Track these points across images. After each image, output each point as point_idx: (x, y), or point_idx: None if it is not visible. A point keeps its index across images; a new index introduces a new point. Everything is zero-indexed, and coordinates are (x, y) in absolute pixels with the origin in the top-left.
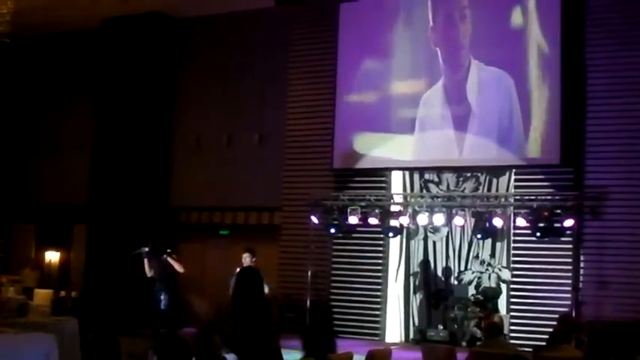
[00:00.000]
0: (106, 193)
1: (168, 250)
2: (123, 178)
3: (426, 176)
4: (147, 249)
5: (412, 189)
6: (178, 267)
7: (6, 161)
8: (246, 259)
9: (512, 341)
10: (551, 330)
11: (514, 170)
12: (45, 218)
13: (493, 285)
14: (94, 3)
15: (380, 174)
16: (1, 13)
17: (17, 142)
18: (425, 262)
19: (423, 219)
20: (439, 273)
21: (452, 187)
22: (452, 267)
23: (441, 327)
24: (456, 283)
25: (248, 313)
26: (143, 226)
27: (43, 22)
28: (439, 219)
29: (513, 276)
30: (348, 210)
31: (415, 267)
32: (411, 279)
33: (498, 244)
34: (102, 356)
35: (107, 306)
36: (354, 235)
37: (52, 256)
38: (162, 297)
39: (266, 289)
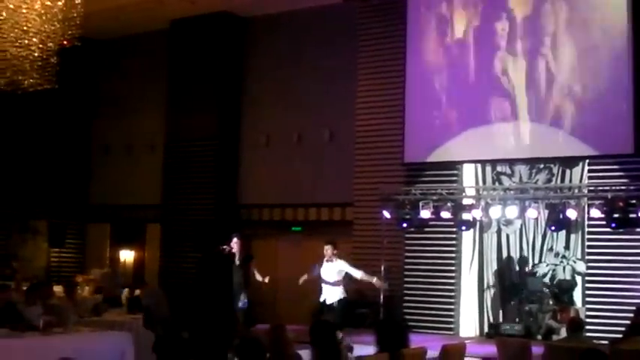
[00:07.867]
0: (179, 192)
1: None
2: (194, 177)
3: (498, 168)
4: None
5: (484, 182)
6: (259, 277)
7: (79, 163)
8: (328, 251)
9: (588, 334)
10: (628, 322)
11: (587, 161)
12: (119, 218)
13: (568, 277)
14: (162, 5)
15: (451, 167)
16: (71, 17)
17: (89, 144)
18: (501, 256)
19: (495, 212)
20: (513, 266)
21: (524, 179)
22: (526, 260)
23: (516, 320)
24: (530, 276)
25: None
26: (215, 224)
27: (113, 26)
28: (512, 211)
29: (588, 268)
30: (420, 204)
31: (489, 261)
32: (485, 273)
33: (573, 236)
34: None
35: (181, 304)
36: (427, 229)
37: (127, 256)
38: (242, 297)
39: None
